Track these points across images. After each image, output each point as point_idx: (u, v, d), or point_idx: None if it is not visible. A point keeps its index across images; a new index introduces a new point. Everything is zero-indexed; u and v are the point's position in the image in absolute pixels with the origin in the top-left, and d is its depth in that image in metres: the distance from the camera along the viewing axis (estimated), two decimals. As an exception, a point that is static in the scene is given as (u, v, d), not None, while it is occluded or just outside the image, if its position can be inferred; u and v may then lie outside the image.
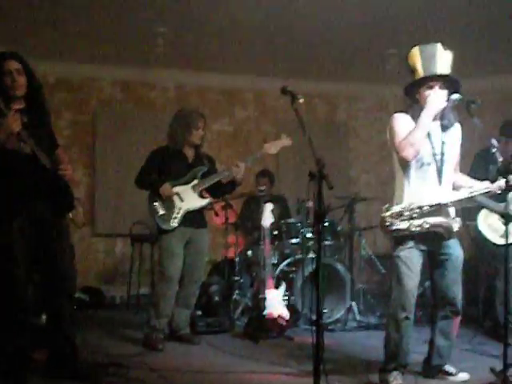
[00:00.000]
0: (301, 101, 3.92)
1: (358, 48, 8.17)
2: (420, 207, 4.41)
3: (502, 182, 4.54)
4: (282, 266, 7.14)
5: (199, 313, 6.83)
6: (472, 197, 4.68)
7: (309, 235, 7.23)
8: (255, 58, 8.63)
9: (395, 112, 4.74)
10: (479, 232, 6.26)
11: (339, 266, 7.13)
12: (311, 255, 7.13)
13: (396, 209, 4.47)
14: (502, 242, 6.05)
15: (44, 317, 5.26)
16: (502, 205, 5.95)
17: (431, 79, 4.47)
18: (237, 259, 7.43)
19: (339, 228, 7.61)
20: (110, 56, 8.57)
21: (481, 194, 4.77)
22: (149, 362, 5.26)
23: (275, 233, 7.26)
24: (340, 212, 7.73)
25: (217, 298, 7.19)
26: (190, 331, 6.22)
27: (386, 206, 4.54)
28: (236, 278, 7.31)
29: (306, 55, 8.51)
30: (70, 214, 4.67)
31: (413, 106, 4.61)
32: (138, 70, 9.06)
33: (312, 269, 6.88)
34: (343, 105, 10.29)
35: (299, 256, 7.20)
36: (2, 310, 4.35)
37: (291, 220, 7.51)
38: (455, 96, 4.46)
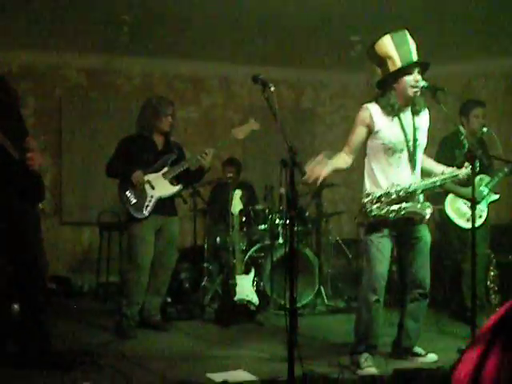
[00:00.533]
0: (272, 89, 3.96)
1: (322, 35, 8.19)
2: (397, 193, 4.50)
3: (468, 169, 4.63)
4: (250, 251, 7.20)
5: (169, 300, 6.87)
6: (444, 183, 4.78)
7: (277, 221, 7.30)
8: (221, 44, 8.62)
9: (360, 102, 4.84)
10: (447, 216, 6.36)
11: (307, 252, 7.20)
12: (280, 241, 7.21)
13: (375, 195, 4.54)
14: (469, 225, 6.18)
15: (16, 306, 5.28)
16: (469, 189, 6.10)
17: (412, 66, 4.55)
18: (206, 246, 7.47)
19: (306, 214, 7.67)
20: (76, 44, 8.50)
21: (450, 180, 4.86)
22: (121, 350, 5.29)
23: (243, 219, 7.30)
24: (307, 198, 7.80)
25: (187, 285, 7.25)
26: (161, 318, 6.26)
27: (366, 192, 4.61)
28: (205, 265, 7.35)
29: (271, 42, 8.52)
30: (40, 204, 4.67)
31: (386, 93, 4.67)
32: (103, 58, 9.02)
33: (280, 255, 6.95)
34: (309, 91, 10.34)
35: (267, 242, 7.26)
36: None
37: (259, 206, 7.56)
38: (423, 83, 4.54)
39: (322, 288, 7.33)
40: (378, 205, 4.51)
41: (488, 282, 5.02)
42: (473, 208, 4.34)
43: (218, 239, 7.60)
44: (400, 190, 4.50)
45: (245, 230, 7.33)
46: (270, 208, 7.31)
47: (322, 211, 7.90)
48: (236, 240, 6.57)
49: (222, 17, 7.56)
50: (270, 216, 7.28)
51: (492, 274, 4.97)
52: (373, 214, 4.51)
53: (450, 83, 9.62)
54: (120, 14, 7.34)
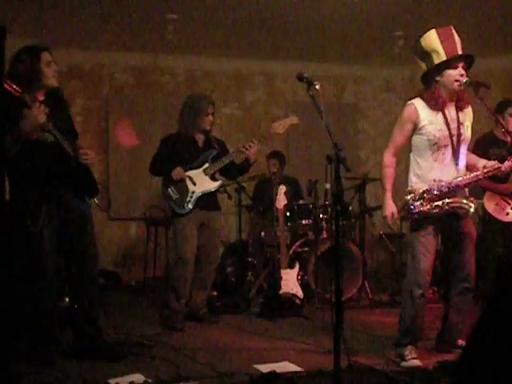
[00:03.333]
0: (317, 87, 4.02)
1: (364, 30, 8.24)
2: (440, 189, 4.54)
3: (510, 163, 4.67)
4: (294, 246, 7.28)
5: (215, 293, 6.99)
6: (486, 177, 4.80)
7: (321, 216, 7.37)
8: (264, 41, 8.70)
9: (403, 97, 4.88)
10: (487, 212, 6.38)
11: (351, 246, 7.26)
12: (324, 235, 7.28)
13: (418, 191, 4.59)
14: (508, 219, 6.21)
15: (67, 299, 5.44)
16: (506, 185, 6.12)
17: (458, 59, 4.58)
18: (250, 241, 7.57)
19: (350, 208, 7.73)
20: (122, 43, 8.68)
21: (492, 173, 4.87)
22: (170, 342, 5.40)
23: (288, 214, 7.38)
24: (350, 193, 7.85)
25: (232, 279, 7.36)
26: (207, 311, 6.38)
27: (409, 189, 4.66)
28: (250, 259, 7.45)
29: (313, 38, 8.57)
30: (95, 199, 4.82)
31: (431, 87, 4.71)
32: (148, 56, 9.19)
33: (324, 249, 7.02)
34: (351, 86, 10.37)
35: (311, 237, 7.33)
36: (30, 297, 4.51)
37: (304, 201, 7.63)
38: (466, 78, 4.57)
39: (365, 282, 7.38)
40: (421, 201, 4.55)
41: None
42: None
43: (262, 234, 7.69)
44: (443, 186, 4.54)
45: (289, 224, 7.40)
46: (314, 203, 7.37)
47: (366, 205, 7.94)
48: (281, 235, 6.65)
49: (266, 14, 7.63)
50: (315, 211, 7.34)
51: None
52: (416, 210, 4.56)
53: (494, 77, 9.63)
54: (165, 12, 7.48)
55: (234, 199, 7.38)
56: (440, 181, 4.55)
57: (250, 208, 7.86)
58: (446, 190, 4.54)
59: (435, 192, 4.53)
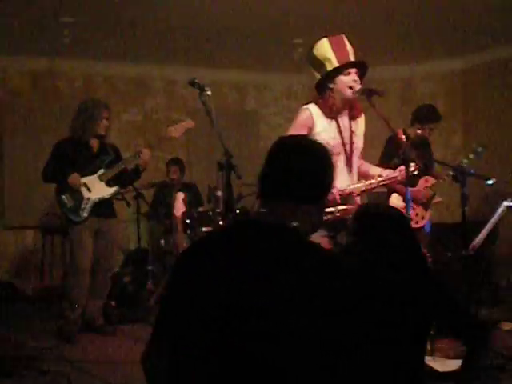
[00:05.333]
0: (208, 93, 3.98)
1: (265, 37, 8.25)
2: (332, 196, 4.53)
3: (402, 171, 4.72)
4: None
5: (113, 303, 6.85)
6: (382, 185, 4.85)
7: (220, 223, 7.31)
8: (164, 46, 8.61)
9: (304, 103, 4.87)
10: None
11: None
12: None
13: None
14: (413, 225, 6.28)
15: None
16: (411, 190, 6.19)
17: (350, 66, 4.61)
18: (150, 249, 7.46)
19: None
20: (17, 47, 8.41)
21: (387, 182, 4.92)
22: (64, 354, 5.27)
23: (187, 221, 7.30)
24: (252, 199, 7.82)
25: (130, 288, 7.22)
26: (104, 322, 6.24)
27: None
28: (149, 268, 7.33)
29: (214, 44, 8.53)
30: None
31: (324, 95, 4.71)
32: (45, 61, 8.94)
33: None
34: (253, 93, 10.39)
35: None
36: None
37: (203, 208, 7.56)
38: (357, 86, 4.60)
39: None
40: None
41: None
42: (407, 208, 4.39)
43: (162, 242, 7.59)
44: (335, 193, 4.54)
45: (188, 232, 7.31)
46: (214, 209, 7.30)
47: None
48: (180, 242, 6.58)
49: (165, 19, 7.53)
50: (214, 218, 7.28)
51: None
52: None
53: (391, 85, 9.84)
54: (61, 15, 7.29)
55: (133, 206, 7.25)
56: (333, 187, 4.56)
57: (148, 215, 7.74)
58: (338, 197, 4.55)
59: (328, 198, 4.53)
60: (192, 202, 7.65)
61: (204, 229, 7.36)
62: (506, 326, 6.25)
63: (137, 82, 9.63)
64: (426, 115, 6.47)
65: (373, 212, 2.92)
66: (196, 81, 4.13)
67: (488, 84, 9.11)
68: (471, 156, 6.20)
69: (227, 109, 10.02)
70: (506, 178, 8.18)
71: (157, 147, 6.36)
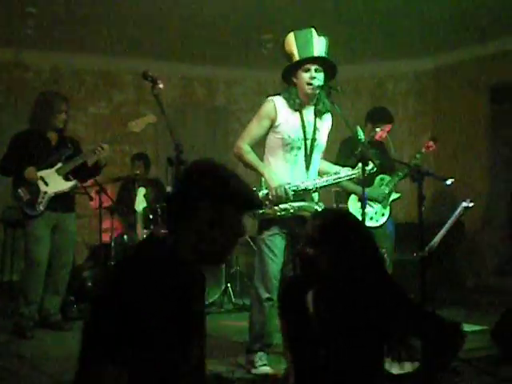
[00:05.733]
0: (161, 86, 3.90)
1: (234, 31, 8.17)
2: (286, 192, 4.48)
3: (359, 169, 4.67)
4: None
5: (72, 298, 6.75)
6: (338, 182, 4.81)
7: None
8: (134, 39, 8.49)
9: (269, 95, 4.84)
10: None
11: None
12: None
13: (263, 192, 4.53)
14: (373, 224, 6.25)
15: None
16: (370, 189, 6.17)
17: (307, 61, 4.56)
18: (112, 244, 7.35)
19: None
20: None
21: (346, 180, 4.88)
22: (17, 350, 5.18)
23: (151, 217, 7.21)
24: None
25: (90, 283, 7.11)
26: (61, 318, 6.14)
27: (253, 188, 4.59)
28: (112, 263, 7.23)
29: (184, 38, 8.45)
30: None
31: (289, 88, 4.69)
32: (10, 52, 8.77)
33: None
34: (222, 89, 10.30)
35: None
36: None
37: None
38: (318, 82, 4.55)
39: (229, 286, 7.30)
40: (266, 202, 4.49)
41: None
42: (362, 207, 4.34)
43: (125, 237, 7.48)
44: (289, 189, 4.49)
45: (152, 227, 7.22)
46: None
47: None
48: (140, 238, 6.48)
49: (134, 10, 7.43)
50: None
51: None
52: (260, 211, 4.49)
53: (363, 84, 9.81)
54: (25, 6, 7.16)
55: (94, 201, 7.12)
56: (288, 183, 4.50)
57: (111, 210, 7.61)
58: (293, 193, 4.49)
59: (280, 194, 4.46)
60: (157, 198, 7.56)
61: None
62: (467, 327, 6.20)
63: (105, 75, 9.49)
64: (378, 116, 6.46)
65: (330, 220, 2.86)
66: (149, 73, 4.03)
67: (459, 83, 9.09)
68: (418, 156, 6.23)
69: (197, 104, 9.95)
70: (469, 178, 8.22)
71: (118, 142, 6.29)
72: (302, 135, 4.63)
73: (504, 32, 8.05)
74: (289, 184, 4.50)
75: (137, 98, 9.64)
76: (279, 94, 4.73)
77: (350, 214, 3.20)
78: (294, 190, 4.51)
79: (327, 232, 2.76)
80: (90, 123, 9.13)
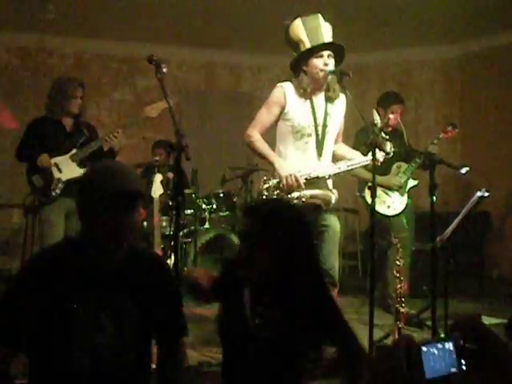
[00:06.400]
0: (164, 70, 3.84)
1: (259, 18, 8.10)
2: (297, 180, 4.40)
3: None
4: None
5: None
6: (352, 169, 4.71)
7: (203, 206, 7.21)
8: (156, 25, 8.47)
9: (280, 81, 4.77)
10: (368, 205, 6.33)
11: (233, 237, 7.11)
12: (206, 226, 7.13)
13: (274, 181, 4.46)
14: (390, 212, 6.15)
15: None
16: (385, 177, 6.08)
17: (321, 48, 4.49)
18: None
19: (235, 199, 7.56)
20: (3, 22, 8.28)
21: (361, 168, 4.80)
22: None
23: (170, 203, 7.17)
24: (236, 182, 7.70)
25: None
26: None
27: (264, 178, 4.53)
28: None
29: (209, 24, 8.40)
30: None
31: (299, 76, 4.62)
32: (34, 37, 8.80)
33: (206, 240, 6.89)
34: (248, 75, 10.23)
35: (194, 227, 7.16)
36: None
37: (186, 191, 7.43)
38: (328, 68, 4.47)
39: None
40: (277, 191, 4.42)
41: (394, 272, 4.96)
42: (373, 195, 4.23)
43: (144, 223, 7.46)
44: (301, 177, 4.41)
45: (171, 214, 7.19)
46: (196, 192, 7.19)
47: (252, 196, 7.78)
48: (156, 224, 6.44)
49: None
50: (196, 201, 7.17)
51: (397, 263, 4.91)
52: None
53: (388, 70, 9.67)
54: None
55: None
56: (299, 171, 4.42)
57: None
58: (304, 181, 4.41)
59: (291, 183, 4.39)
60: (177, 184, 7.49)
61: (188, 211, 7.27)
62: (486, 320, 6.09)
63: (128, 61, 9.47)
64: (388, 99, 6.40)
65: (261, 216, 2.69)
66: (154, 57, 3.97)
67: (486, 71, 8.91)
68: (436, 141, 6.11)
69: (221, 91, 9.89)
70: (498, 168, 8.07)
71: (139, 127, 6.24)
72: (312, 122, 4.57)
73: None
74: (300, 172, 4.42)
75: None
76: (289, 81, 4.65)
77: (285, 207, 2.93)
78: (305, 179, 4.43)
79: (259, 228, 2.64)
80: (113, 109, 9.15)
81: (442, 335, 3.83)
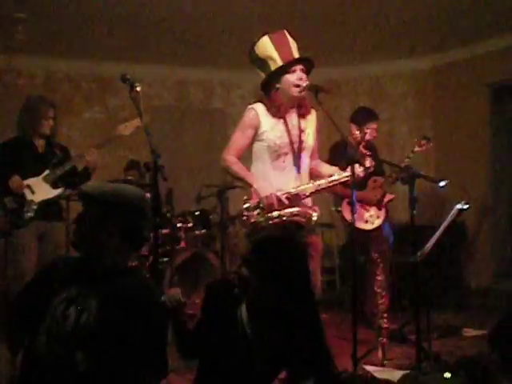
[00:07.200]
0: (138, 89, 3.79)
1: (232, 34, 8.06)
2: (278, 198, 4.33)
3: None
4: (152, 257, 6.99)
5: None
6: (332, 186, 4.65)
7: (179, 225, 7.12)
8: (128, 44, 8.38)
9: (251, 102, 4.71)
10: (346, 219, 6.30)
11: (210, 255, 7.03)
12: (182, 245, 7.04)
13: (254, 201, 4.40)
14: (368, 227, 6.12)
15: None
16: (363, 192, 6.06)
17: (294, 63, 4.44)
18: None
19: (211, 216, 7.48)
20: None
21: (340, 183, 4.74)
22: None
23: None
24: (212, 200, 7.61)
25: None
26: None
27: (244, 198, 4.46)
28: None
29: (179, 41, 8.34)
30: None
31: (270, 94, 4.55)
32: (2, 57, 8.66)
33: (182, 260, 6.80)
34: (220, 92, 10.18)
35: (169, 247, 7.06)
36: None
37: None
38: (306, 82, 4.43)
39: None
40: (257, 211, 4.35)
41: (375, 287, 4.92)
42: (352, 211, 4.19)
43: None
44: (281, 196, 4.34)
45: (147, 234, 7.09)
46: (170, 211, 7.10)
47: (228, 213, 7.70)
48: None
49: (127, 15, 7.34)
50: (171, 220, 7.07)
51: (378, 278, 4.86)
52: (251, 221, 4.35)
53: (361, 84, 9.68)
54: (14, 11, 7.05)
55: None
56: (279, 190, 4.35)
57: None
58: (285, 199, 4.34)
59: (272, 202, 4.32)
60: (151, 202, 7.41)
61: (162, 231, 7.17)
62: (469, 332, 6.07)
63: (99, 80, 9.37)
64: (363, 116, 6.37)
65: (263, 244, 3.03)
66: (127, 76, 3.92)
67: (458, 83, 8.94)
68: (411, 155, 6.11)
69: (193, 107, 9.84)
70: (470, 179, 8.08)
71: (111, 146, 6.15)
72: (287, 140, 4.50)
73: (503, 29, 7.92)
74: (280, 191, 4.36)
75: (132, 102, 9.49)
76: (259, 101, 4.59)
77: (286, 238, 3.21)
78: (286, 197, 4.36)
79: (259, 255, 2.92)
80: (84, 129, 9.04)
81: (447, 374, 3.77)
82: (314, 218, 4.45)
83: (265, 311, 2.83)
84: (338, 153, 5.99)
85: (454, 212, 4.55)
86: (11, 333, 2.82)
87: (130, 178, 7.27)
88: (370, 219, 6.17)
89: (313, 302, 2.96)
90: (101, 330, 2.59)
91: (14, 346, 2.82)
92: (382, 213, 6.22)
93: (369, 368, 4.48)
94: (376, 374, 4.29)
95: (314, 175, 4.69)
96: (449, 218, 4.54)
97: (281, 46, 4.44)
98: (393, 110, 9.51)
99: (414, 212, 4.34)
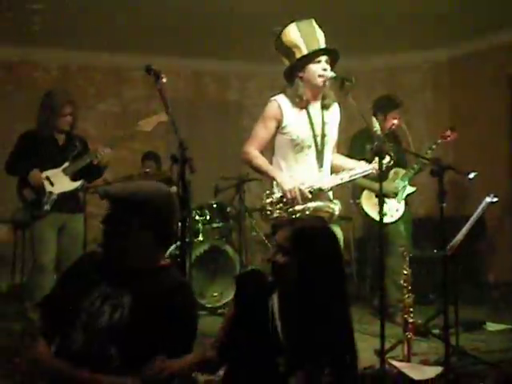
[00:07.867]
0: (164, 80, 3.73)
1: (248, 26, 8.00)
2: (302, 192, 4.27)
3: (376, 164, 4.45)
4: (170, 249, 6.95)
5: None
6: (354, 179, 4.59)
7: (197, 218, 7.09)
8: (143, 35, 8.34)
9: (273, 94, 4.64)
10: (365, 212, 6.23)
11: (227, 248, 6.99)
12: (200, 238, 7.01)
13: (276, 196, 4.33)
14: (387, 220, 6.04)
15: None
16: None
17: (319, 53, 4.37)
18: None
19: (228, 209, 7.44)
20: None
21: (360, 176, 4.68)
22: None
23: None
24: (230, 192, 7.57)
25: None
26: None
27: (267, 192, 4.40)
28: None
29: (196, 33, 8.29)
30: None
31: (294, 84, 4.48)
32: (18, 50, 8.64)
33: (200, 252, 6.78)
34: (235, 84, 10.12)
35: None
36: None
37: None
38: (329, 74, 4.36)
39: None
40: (280, 205, 4.29)
41: (402, 281, 4.84)
42: (381, 202, 4.13)
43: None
44: (304, 190, 4.28)
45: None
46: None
47: (245, 206, 7.65)
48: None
49: (144, 7, 7.32)
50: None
51: (405, 272, 4.78)
52: (274, 215, 4.29)
53: (377, 76, 9.59)
54: (30, 3, 7.02)
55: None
56: (302, 184, 4.29)
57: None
58: (308, 193, 4.28)
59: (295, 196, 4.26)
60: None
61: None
62: (491, 327, 6.01)
63: (114, 72, 9.35)
64: (387, 104, 6.28)
65: (299, 231, 2.91)
66: (152, 67, 3.86)
67: (475, 74, 8.84)
68: (434, 146, 6.02)
69: (208, 99, 9.79)
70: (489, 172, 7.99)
71: (128, 140, 6.12)
72: (311, 133, 4.43)
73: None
74: (303, 185, 4.29)
75: (147, 94, 9.46)
76: (282, 93, 4.52)
77: (322, 225, 3.10)
78: (309, 191, 4.30)
79: (296, 242, 2.82)
80: (99, 121, 9.00)
81: None
82: (336, 212, 4.40)
83: (299, 301, 2.77)
84: (360, 141, 5.93)
85: (483, 205, 4.49)
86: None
87: (147, 170, 7.23)
88: (389, 212, 6.09)
89: (346, 292, 2.91)
90: (134, 327, 2.59)
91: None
92: (402, 206, 6.15)
93: (395, 363, 4.41)
94: (404, 370, 4.22)
95: (334, 169, 4.62)
96: (478, 211, 4.48)
97: (307, 35, 4.37)
98: (409, 102, 9.39)
99: (444, 205, 4.26)
